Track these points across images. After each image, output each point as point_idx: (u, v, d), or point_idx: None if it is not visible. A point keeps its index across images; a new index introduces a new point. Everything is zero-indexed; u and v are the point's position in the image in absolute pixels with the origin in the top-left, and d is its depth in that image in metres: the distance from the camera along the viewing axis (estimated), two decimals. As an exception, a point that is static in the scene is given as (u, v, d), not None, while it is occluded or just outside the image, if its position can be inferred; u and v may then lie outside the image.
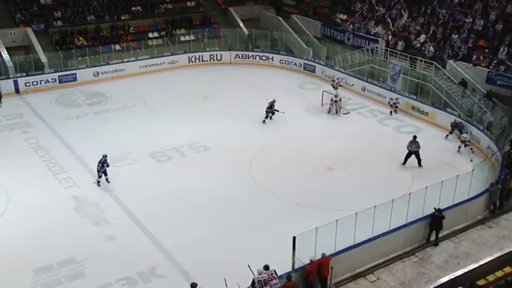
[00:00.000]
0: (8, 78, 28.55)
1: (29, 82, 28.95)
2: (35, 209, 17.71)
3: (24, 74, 29.06)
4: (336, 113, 26.19)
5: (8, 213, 17.55)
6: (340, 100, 26.27)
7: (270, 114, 24.79)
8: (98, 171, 19.06)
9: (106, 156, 19.09)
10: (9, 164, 20.60)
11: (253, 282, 12.80)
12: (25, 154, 21.64)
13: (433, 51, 27.83)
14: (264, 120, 24.71)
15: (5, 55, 29.28)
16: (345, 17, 34.56)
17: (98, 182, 19.14)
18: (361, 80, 29.21)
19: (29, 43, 31.19)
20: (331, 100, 26.28)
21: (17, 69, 29.04)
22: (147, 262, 15.03)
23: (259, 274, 12.89)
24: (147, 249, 15.73)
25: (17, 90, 28.58)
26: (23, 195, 18.51)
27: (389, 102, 26.52)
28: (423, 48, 28.41)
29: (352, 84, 27.90)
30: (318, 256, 13.58)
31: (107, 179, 19.28)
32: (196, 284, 12.47)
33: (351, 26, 33.16)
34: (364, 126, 25.17)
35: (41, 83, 29.30)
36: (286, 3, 39.62)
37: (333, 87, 27.26)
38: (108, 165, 19.06)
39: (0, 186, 18.94)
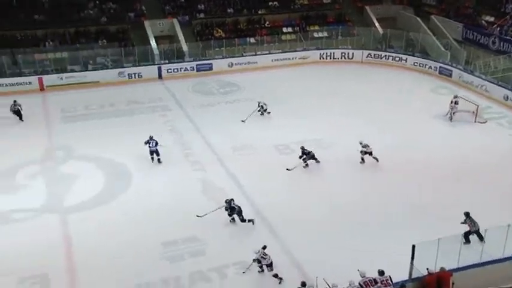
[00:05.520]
0: (154, 64, 31.01)
1: (171, 69, 31.14)
2: (165, 187, 19.06)
3: (167, 61, 31.33)
4: (450, 117, 24.59)
5: (141, 188, 19.08)
6: (477, 108, 24.61)
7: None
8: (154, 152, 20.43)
9: (152, 137, 20.46)
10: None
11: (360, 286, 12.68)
12: (162, 135, 23.10)
13: None
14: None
15: (153, 43, 31.74)
16: (492, 19, 32.11)
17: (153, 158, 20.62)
18: (505, 88, 26.98)
19: (173, 33, 33.39)
20: (451, 102, 24.73)
21: (162, 56, 31.39)
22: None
23: (362, 276, 12.70)
24: (265, 239, 16.00)
25: (160, 76, 30.91)
26: (157, 173, 20.01)
27: None
28: None
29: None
30: (438, 269, 12.95)
31: (158, 159, 20.52)
32: (305, 283, 12.71)
33: (498, 29, 30.71)
34: (501, 137, 23.28)
35: (180, 70, 31.35)
36: (426, 3, 37.85)
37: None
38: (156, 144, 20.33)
39: (136, 164, 20.58)
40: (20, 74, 28.97)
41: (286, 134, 23.05)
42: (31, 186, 19.17)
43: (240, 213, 16.59)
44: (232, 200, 16.65)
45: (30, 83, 28.71)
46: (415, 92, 28.79)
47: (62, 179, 19.72)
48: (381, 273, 12.76)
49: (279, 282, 14.18)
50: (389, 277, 12.69)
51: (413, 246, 12.96)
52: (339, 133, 23.14)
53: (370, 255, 14.72)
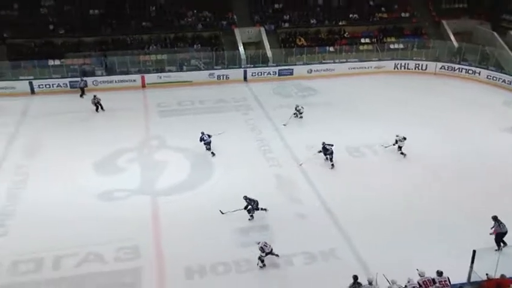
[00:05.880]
0: (240, 67, 31.80)
1: (255, 72, 31.75)
2: (243, 179, 19.45)
3: (252, 66, 31.97)
4: None
5: (222, 179, 19.67)
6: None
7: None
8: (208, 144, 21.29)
9: (203, 133, 21.18)
10: (229, 138, 22.49)
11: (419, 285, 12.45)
12: (243, 132, 23.88)
13: None
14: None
15: (241, 49, 32.55)
16: None
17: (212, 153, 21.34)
18: None
19: (260, 40, 33.95)
20: None
21: (248, 61, 32.10)
22: (328, 243, 15.54)
23: (421, 276, 12.45)
24: (331, 232, 16.19)
25: (245, 78, 31.63)
26: (237, 166, 20.53)
27: None
28: None
29: None
30: (497, 276, 12.39)
31: (211, 152, 21.24)
32: (357, 277, 12.67)
33: None
34: None
35: (263, 74, 31.88)
36: (505, 19, 35.65)
37: None
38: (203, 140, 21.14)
39: (219, 156, 21.26)
40: (127, 73, 30.83)
41: (357, 137, 22.83)
42: (129, 169, 20.42)
43: (257, 205, 16.90)
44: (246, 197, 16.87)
45: (134, 80, 30.52)
46: (486, 105, 27.34)
47: (154, 165, 20.82)
48: (440, 274, 12.48)
49: (258, 264, 14.51)
50: (448, 278, 12.39)
51: (474, 252, 12.56)
52: (407, 140, 22.49)
53: (430, 255, 14.42)
